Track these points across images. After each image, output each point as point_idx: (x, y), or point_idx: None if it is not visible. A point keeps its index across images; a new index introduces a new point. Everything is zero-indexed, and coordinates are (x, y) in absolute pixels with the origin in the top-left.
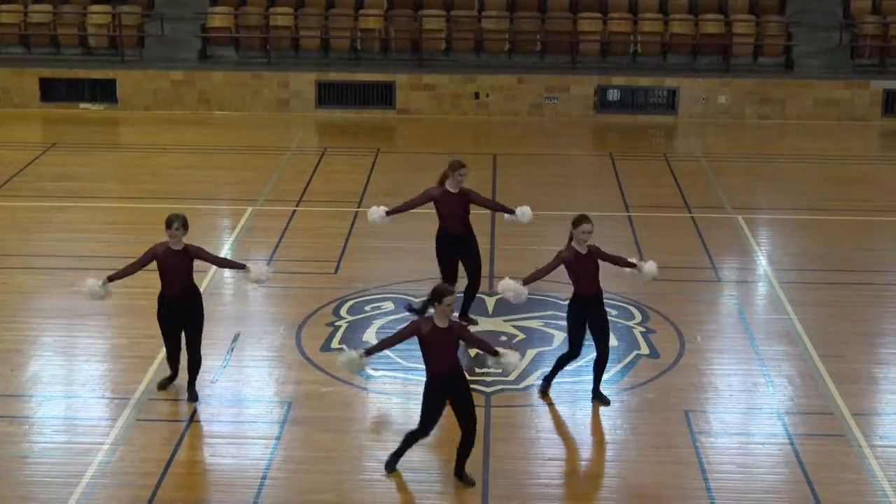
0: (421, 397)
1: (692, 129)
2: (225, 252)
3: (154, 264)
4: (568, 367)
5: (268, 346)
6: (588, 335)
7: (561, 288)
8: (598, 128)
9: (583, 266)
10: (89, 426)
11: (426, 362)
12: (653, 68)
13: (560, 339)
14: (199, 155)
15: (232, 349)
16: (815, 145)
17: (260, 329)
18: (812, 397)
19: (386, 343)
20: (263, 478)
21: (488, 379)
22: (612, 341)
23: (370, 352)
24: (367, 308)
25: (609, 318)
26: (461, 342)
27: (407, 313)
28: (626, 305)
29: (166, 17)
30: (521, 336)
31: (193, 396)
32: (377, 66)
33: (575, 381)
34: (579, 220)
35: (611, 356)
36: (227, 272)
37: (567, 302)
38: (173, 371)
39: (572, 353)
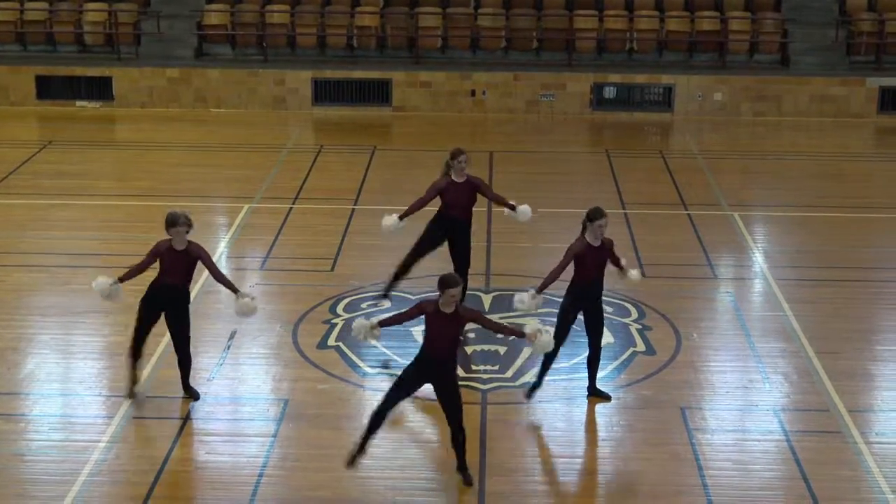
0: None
1: (688, 127)
2: (221, 250)
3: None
4: (564, 365)
5: (264, 343)
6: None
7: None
8: (594, 125)
9: (594, 258)
10: (86, 424)
11: (423, 340)
12: (649, 65)
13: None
14: (196, 152)
15: (228, 347)
16: (810, 142)
17: (256, 327)
18: (808, 394)
19: (396, 318)
20: (260, 475)
21: (484, 377)
22: (609, 338)
23: (383, 323)
24: (364, 305)
25: (605, 315)
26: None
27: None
28: (622, 302)
29: (162, 14)
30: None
31: (194, 395)
32: (373, 64)
33: (571, 378)
34: (596, 215)
35: (607, 353)
36: (224, 270)
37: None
38: (132, 362)
39: (555, 348)
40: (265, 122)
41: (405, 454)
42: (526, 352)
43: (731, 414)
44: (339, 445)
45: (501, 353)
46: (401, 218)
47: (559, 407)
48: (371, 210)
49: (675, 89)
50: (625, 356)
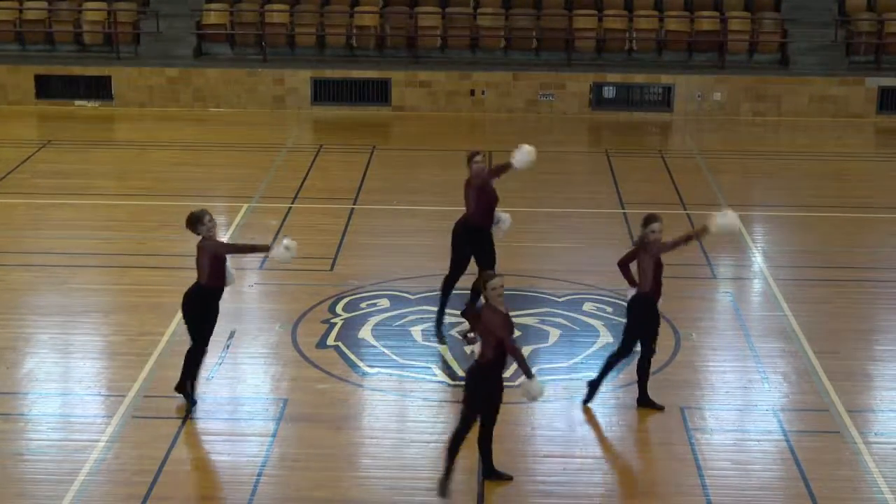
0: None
1: (687, 126)
2: None
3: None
4: (563, 364)
5: (263, 343)
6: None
7: (554, 285)
8: (593, 125)
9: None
10: (85, 423)
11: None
12: (648, 65)
13: (555, 336)
14: (195, 152)
15: (227, 346)
16: (810, 142)
17: (255, 326)
18: (807, 394)
19: (521, 354)
20: (259, 475)
21: None
22: (608, 338)
23: (525, 370)
24: (363, 305)
25: (605, 314)
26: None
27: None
28: (620, 302)
29: (162, 13)
30: (517, 333)
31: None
32: (373, 63)
33: (570, 378)
34: (649, 220)
35: (605, 352)
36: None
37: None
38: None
39: (624, 352)
40: (264, 122)
41: (405, 454)
42: (525, 352)
43: (730, 414)
44: (339, 445)
45: None
46: (496, 224)
47: (558, 407)
48: (370, 210)
49: (675, 89)
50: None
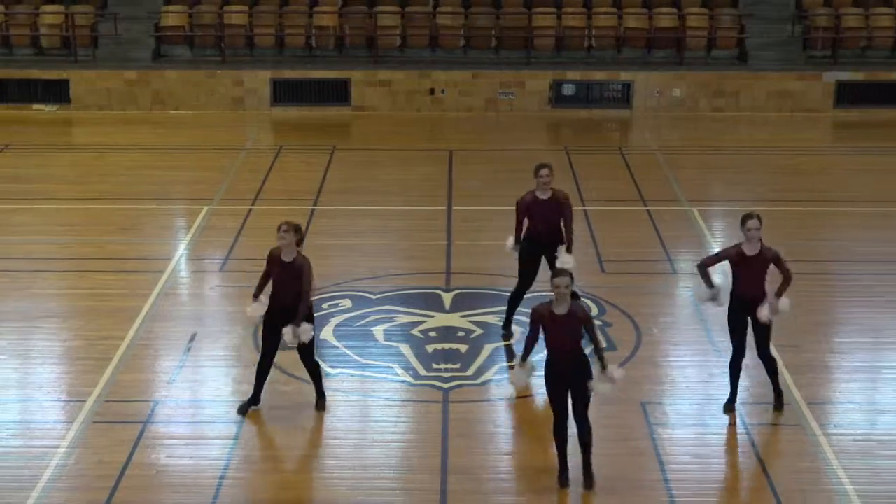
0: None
1: (647, 123)
2: (180, 252)
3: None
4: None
5: (225, 345)
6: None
7: (515, 283)
8: (553, 122)
9: (746, 267)
10: (45, 429)
11: (546, 344)
12: (607, 62)
13: (517, 334)
14: (154, 154)
15: (188, 349)
16: (768, 137)
17: (217, 329)
18: (767, 387)
19: (529, 344)
20: (222, 478)
21: (445, 375)
22: None
23: (524, 357)
24: (325, 306)
25: None
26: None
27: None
28: (582, 299)
29: (120, 16)
30: (479, 331)
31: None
32: (332, 64)
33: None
34: (744, 218)
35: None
36: (183, 272)
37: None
38: (254, 392)
39: (738, 353)
40: (224, 123)
41: (368, 454)
42: (487, 350)
43: (691, 408)
44: (301, 447)
45: (462, 351)
46: (515, 242)
47: (520, 404)
48: (331, 210)
49: (634, 86)
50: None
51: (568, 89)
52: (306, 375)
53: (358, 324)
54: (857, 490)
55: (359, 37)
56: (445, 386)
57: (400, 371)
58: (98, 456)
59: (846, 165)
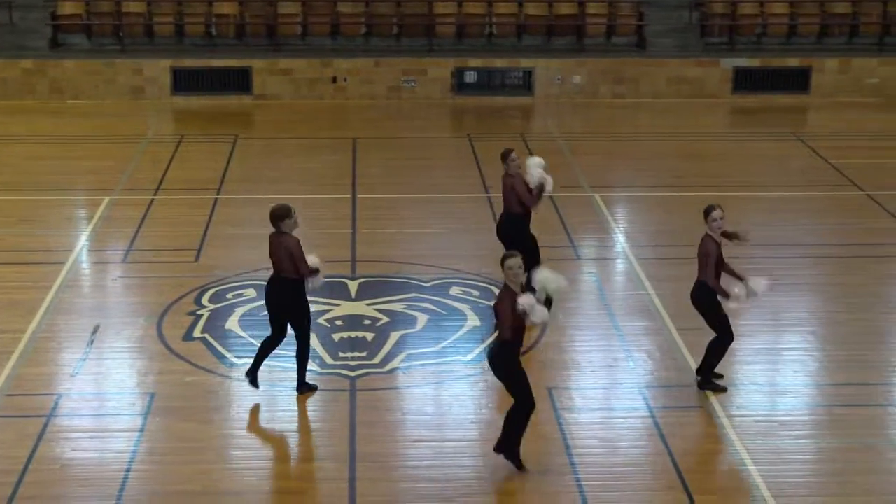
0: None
1: (548, 110)
2: (81, 243)
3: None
4: (432, 349)
5: (128, 337)
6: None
7: (420, 271)
8: (455, 110)
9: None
10: None
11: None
12: (508, 50)
13: (423, 321)
14: (53, 145)
15: (92, 341)
16: (668, 123)
17: (120, 320)
18: (671, 370)
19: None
20: (128, 471)
21: (352, 363)
22: (475, 321)
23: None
24: (230, 296)
25: (472, 298)
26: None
27: None
28: (487, 286)
29: (15, 4)
30: (385, 319)
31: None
32: (233, 52)
33: (439, 363)
34: (708, 210)
35: (473, 336)
36: (85, 264)
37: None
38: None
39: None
40: (124, 113)
41: (276, 444)
42: (393, 338)
43: (596, 392)
44: (208, 437)
45: (369, 339)
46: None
47: (428, 391)
48: (234, 199)
49: (535, 73)
50: (491, 339)
51: (470, 76)
52: (210, 365)
53: (263, 313)
54: (760, 470)
55: (259, 25)
56: (352, 374)
57: None
58: (1, 451)
59: (744, 150)
